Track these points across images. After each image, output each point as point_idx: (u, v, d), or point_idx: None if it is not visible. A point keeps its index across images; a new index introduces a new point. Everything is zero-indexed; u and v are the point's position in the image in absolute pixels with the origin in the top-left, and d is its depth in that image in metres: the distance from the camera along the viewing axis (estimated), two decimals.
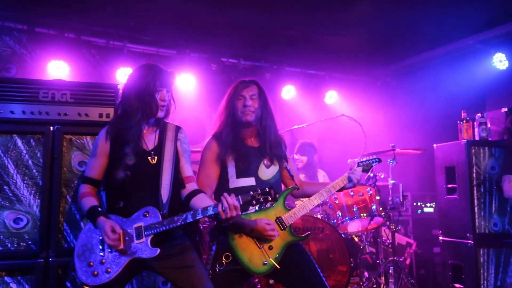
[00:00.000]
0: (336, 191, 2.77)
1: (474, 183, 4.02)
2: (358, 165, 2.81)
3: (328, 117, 5.30)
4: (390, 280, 4.33)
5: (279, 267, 2.55)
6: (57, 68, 5.25)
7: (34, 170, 2.80)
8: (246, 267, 2.52)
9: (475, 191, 4.01)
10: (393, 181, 4.52)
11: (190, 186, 2.51)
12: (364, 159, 2.84)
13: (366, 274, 4.34)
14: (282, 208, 2.66)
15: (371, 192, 4.21)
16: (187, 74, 5.97)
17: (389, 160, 4.49)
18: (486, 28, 5.54)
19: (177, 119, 6.32)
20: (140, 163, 2.40)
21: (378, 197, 4.29)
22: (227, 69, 6.31)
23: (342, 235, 3.97)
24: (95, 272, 2.27)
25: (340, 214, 4.19)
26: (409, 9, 5.11)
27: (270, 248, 2.56)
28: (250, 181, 2.66)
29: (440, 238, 4.38)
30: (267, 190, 2.28)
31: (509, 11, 5.11)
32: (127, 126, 2.41)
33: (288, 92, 6.65)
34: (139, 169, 2.40)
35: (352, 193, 4.17)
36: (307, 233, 2.78)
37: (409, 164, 6.08)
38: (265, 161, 2.73)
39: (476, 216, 3.98)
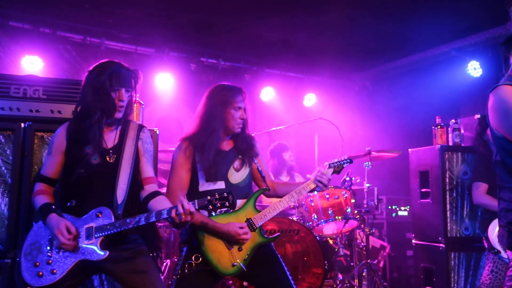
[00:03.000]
0: (307, 192, 2.76)
1: (447, 187, 4.09)
2: (329, 167, 2.82)
3: (306, 119, 5.33)
4: (363, 282, 4.37)
5: (246, 269, 2.55)
6: (31, 64, 5.11)
7: (3, 168, 2.72)
8: (215, 268, 2.52)
9: (447, 196, 4.08)
10: (368, 185, 4.57)
11: (150, 188, 2.42)
12: (335, 160, 2.82)
13: (340, 276, 4.36)
14: (252, 209, 2.66)
15: (346, 195, 4.24)
16: (166, 73, 5.91)
17: (365, 163, 4.54)
18: (461, 36, 5.66)
19: (154, 118, 6.27)
20: (96, 162, 2.32)
21: (353, 200, 4.32)
22: (206, 69, 6.28)
23: (317, 237, 3.99)
24: (40, 273, 2.18)
25: (315, 216, 4.20)
26: (387, 16, 5.18)
27: (240, 249, 2.56)
28: (220, 185, 2.65)
29: (413, 241, 4.44)
30: (225, 195, 2.23)
31: (484, 20, 5.23)
32: (87, 126, 2.33)
33: (267, 94, 6.66)
34: (96, 167, 2.32)
35: (327, 196, 4.19)
36: (276, 234, 2.78)
37: (385, 168, 6.16)
38: (235, 165, 2.72)
39: (448, 220, 4.05)
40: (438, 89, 5.96)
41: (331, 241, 4.40)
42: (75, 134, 2.36)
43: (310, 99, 6.97)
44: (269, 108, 6.89)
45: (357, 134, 7.01)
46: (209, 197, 2.22)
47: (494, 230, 3.51)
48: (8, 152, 2.73)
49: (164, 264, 4.39)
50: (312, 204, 4.24)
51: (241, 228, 2.54)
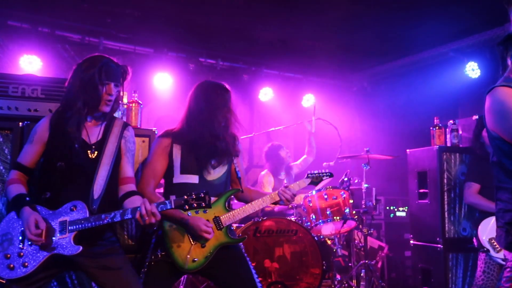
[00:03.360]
0: (271, 203, 2.76)
1: (445, 188, 4.10)
2: (307, 177, 2.83)
3: (305, 120, 5.33)
4: (361, 283, 4.38)
5: (205, 266, 2.52)
6: (30, 63, 5.11)
7: (1, 167, 2.71)
8: (176, 262, 2.50)
9: (445, 196, 4.09)
10: (366, 185, 4.57)
11: (127, 187, 2.40)
12: (315, 172, 2.84)
13: (338, 277, 4.37)
14: (222, 208, 2.65)
15: (344, 195, 4.24)
16: (164, 73, 5.91)
17: (363, 164, 4.55)
18: (460, 37, 5.67)
19: (153, 118, 6.27)
20: (77, 156, 2.29)
21: (351, 201, 4.33)
22: (205, 69, 6.28)
23: (315, 238, 3.99)
24: (11, 265, 2.14)
25: (313, 217, 4.20)
26: (385, 17, 5.19)
27: (203, 246, 2.55)
28: (193, 179, 2.65)
29: (411, 242, 4.45)
30: (202, 195, 2.21)
31: (482, 21, 5.25)
32: (68, 116, 2.30)
33: (266, 94, 6.66)
34: (75, 161, 2.28)
35: (326, 196, 4.19)
36: (242, 236, 2.78)
37: (383, 168, 6.16)
38: (213, 161, 2.70)
39: (446, 221, 4.06)
40: (436, 90, 5.97)
41: (329, 242, 4.41)
42: (58, 126, 2.33)
43: (309, 100, 6.98)
44: (268, 109, 6.89)
45: (355, 135, 7.02)
46: (185, 197, 2.20)
47: (484, 229, 3.53)
48: (6, 152, 2.72)
49: None
50: (310, 205, 4.25)
51: (206, 223, 2.52)
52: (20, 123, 2.74)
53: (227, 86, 2.84)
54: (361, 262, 4.40)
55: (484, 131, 3.60)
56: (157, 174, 2.67)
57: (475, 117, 4.32)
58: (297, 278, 3.87)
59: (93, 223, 2.17)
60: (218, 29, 5.63)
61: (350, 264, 4.57)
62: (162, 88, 5.98)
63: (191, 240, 2.54)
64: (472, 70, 5.72)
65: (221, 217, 2.62)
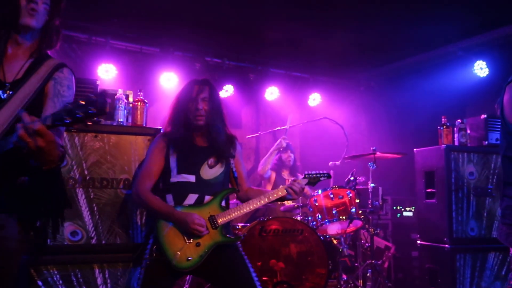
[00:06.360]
0: (275, 201, 2.76)
1: (453, 188, 4.06)
2: (305, 177, 2.83)
3: (311, 119, 5.31)
4: (368, 283, 4.35)
5: (200, 266, 2.52)
6: None
7: None
8: (170, 260, 2.49)
9: (453, 196, 4.05)
10: (373, 185, 4.54)
11: None
12: (313, 173, 2.85)
13: (344, 277, 4.34)
14: (217, 207, 2.65)
15: (351, 195, 4.22)
16: (170, 72, 5.92)
17: (369, 163, 4.52)
18: (468, 36, 5.62)
19: (159, 117, 6.27)
20: None
21: (358, 200, 4.30)
22: (211, 68, 6.26)
23: (321, 237, 3.97)
24: None
25: (319, 216, 4.18)
26: (393, 15, 5.15)
27: (198, 244, 2.54)
28: (190, 178, 2.66)
29: (418, 242, 4.42)
30: (93, 99, 1.47)
31: (491, 19, 5.19)
32: None
33: (272, 93, 6.65)
34: None
35: (332, 196, 4.17)
36: (239, 235, 2.77)
37: (390, 168, 6.13)
38: (210, 161, 2.72)
39: (454, 221, 4.02)
40: (444, 89, 5.93)
41: (335, 241, 4.38)
42: None
43: (315, 99, 6.95)
44: (274, 108, 6.87)
45: (362, 134, 6.98)
46: (68, 105, 1.49)
47: None
48: None
49: None
50: (316, 204, 4.23)
51: (198, 219, 2.52)
52: None
53: (201, 79, 2.86)
54: (368, 262, 4.37)
55: None
56: (152, 174, 2.68)
57: (484, 116, 4.28)
58: (302, 278, 3.85)
59: None
60: (225, 28, 5.62)
61: (356, 264, 4.54)
62: (168, 87, 5.98)
63: (186, 239, 2.54)
64: (481, 69, 5.66)
65: (216, 216, 2.62)
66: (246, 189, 2.93)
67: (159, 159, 2.70)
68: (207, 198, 2.66)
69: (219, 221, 2.61)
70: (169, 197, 2.66)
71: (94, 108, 1.46)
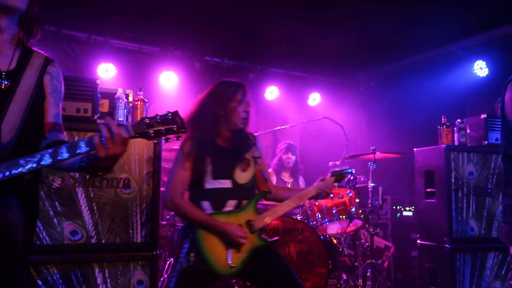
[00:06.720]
0: (308, 199, 2.77)
1: (452, 187, 4.06)
2: (332, 175, 2.83)
3: (311, 119, 5.31)
4: (367, 282, 4.35)
5: (242, 272, 2.51)
6: None
7: None
8: (212, 268, 2.47)
9: (453, 196, 4.05)
10: (373, 184, 4.54)
11: (53, 136, 1.79)
12: (337, 169, 2.85)
13: (344, 276, 4.34)
14: (253, 211, 2.63)
15: (350, 194, 4.21)
16: (170, 72, 5.91)
17: (369, 163, 4.52)
18: (467, 36, 5.62)
19: None
20: None
21: (357, 200, 4.30)
22: (211, 68, 6.27)
23: (321, 237, 3.96)
24: None
25: (319, 216, 4.18)
26: (393, 15, 5.15)
27: (238, 251, 2.53)
28: (226, 183, 2.61)
29: (418, 241, 4.41)
30: (170, 117, 1.66)
31: (491, 19, 5.20)
32: None
33: (272, 93, 6.65)
34: None
35: (331, 195, 4.17)
36: (275, 238, 2.77)
37: (389, 167, 6.13)
38: (241, 165, 2.67)
39: (454, 221, 4.02)
40: (444, 89, 5.93)
41: (335, 241, 4.38)
42: None
43: (315, 99, 6.95)
44: (274, 108, 6.87)
45: (362, 134, 6.98)
46: (147, 121, 1.60)
47: None
48: None
49: (168, 262, 4.39)
50: (316, 203, 4.23)
51: (240, 229, 2.51)
52: None
53: (238, 81, 2.78)
54: (367, 261, 4.37)
55: None
56: (186, 181, 2.61)
57: (483, 116, 4.28)
58: (302, 278, 3.85)
59: (6, 172, 1.53)
60: (224, 27, 5.62)
61: (356, 264, 4.54)
62: (168, 87, 5.98)
63: (226, 246, 2.51)
64: (480, 68, 5.67)
65: (253, 221, 2.59)
66: (275, 189, 2.89)
67: (190, 164, 2.61)
68: (244, 202, 2.63)
69: (256, 226, 2.59)
70: (206, 204, 2.60)
71: (175, 125, 1.62)
